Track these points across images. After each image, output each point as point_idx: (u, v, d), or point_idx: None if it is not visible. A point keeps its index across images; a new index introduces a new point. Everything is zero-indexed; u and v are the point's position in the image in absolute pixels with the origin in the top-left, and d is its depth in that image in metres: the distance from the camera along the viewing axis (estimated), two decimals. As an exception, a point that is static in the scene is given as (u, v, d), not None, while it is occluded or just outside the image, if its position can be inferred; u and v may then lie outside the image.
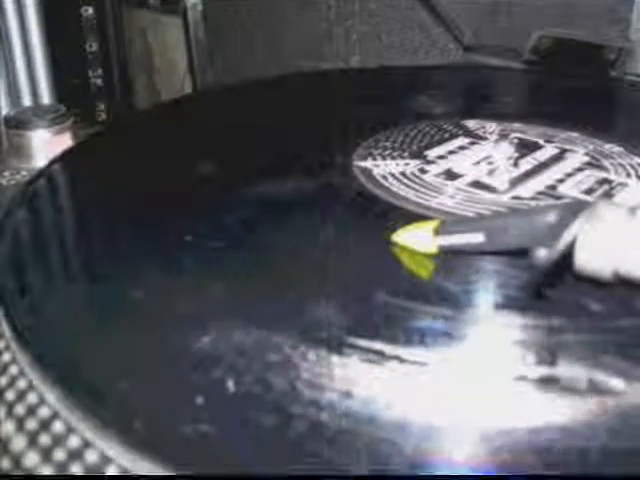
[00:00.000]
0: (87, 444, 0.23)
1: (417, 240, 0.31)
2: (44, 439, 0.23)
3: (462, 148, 0.43)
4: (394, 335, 0.26)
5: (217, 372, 0.24)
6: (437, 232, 0.31)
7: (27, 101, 0.92)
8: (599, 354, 0.25)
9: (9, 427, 0.24)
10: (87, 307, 0.29)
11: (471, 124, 0.47)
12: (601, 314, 0.27)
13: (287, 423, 0.22)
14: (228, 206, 0.37)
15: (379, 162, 0.41)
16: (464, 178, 0.39)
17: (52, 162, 0.44)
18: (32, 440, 0.24)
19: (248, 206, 0.37)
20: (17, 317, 0.28)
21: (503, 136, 0.44)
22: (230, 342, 0.26)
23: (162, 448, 0.22)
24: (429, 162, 0.41)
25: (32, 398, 0.25)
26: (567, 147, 0.43)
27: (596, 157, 0.42)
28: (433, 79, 0.64)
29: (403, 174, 0.39)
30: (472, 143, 0.44)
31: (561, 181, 0.38)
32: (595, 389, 0.24)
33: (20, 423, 0.24)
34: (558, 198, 0.37)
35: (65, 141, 0.51)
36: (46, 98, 0.94)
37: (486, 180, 0.38)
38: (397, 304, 0.28)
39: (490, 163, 0.40)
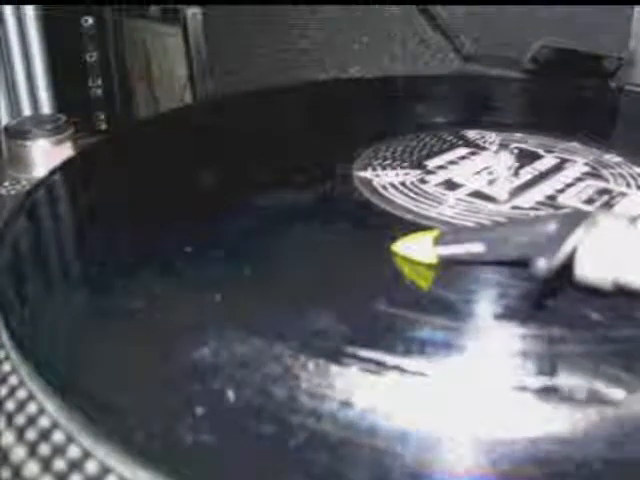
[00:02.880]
0: (87, 454, 0.23)
1: (417, 250, 0.31)
2: (44, 449, 0.23)
3: (462, 158, 0.43)
4: (394, 345, 0.26)
5: (217, 382, 0.24)
6: (437, 242, 0.31)
7: (27, 111, 0.92)
8: (599, 364, 0.25)
9: (9, 437, 0.24)
10: (87, 317, 0.29)
11: (471, 134, 0.47)
12: (601, 324, 0.27)
13: (287, 433, 0.22)
14: (228, 216, 0.37)
15: (379, 172, 0.41)
16: (464, 188, 0.39)
17: (52, 172, 0.44)
18: (32, 450, 0.24)
19: (248, 216, 0.37)
20: (17, 327, 0.28)
21: (503, 146, 0.45)
22: (230, 352, 0.26)
23: (162, 458, 0.22)
24: (429, 172, 0.41)
25: (32, 408, 0.25)
26: (567, 157, 0.43)
27: (596, 167, 0.42)
28: (433, 89, 0.64)
29: (403, 184, 0.39)
30: (472, 153, 0.44)
31: (561, 191, 0.38)
32: (595, 399, 0.24)
33: (20, 433, 0.24)
34: (558, 208, 0.37)
35: (65, 151, 0.51)
36: (46, 108, 0.94)
37: (486, 190, 0.38)
38: (397, 314, 0.28)
39: (490, 173, 0.40)
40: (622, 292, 0.27)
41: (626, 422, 0.23)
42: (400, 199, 0.37)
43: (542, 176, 0.40)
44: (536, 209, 0.36)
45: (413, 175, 0.40)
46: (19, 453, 0.24)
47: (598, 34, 0.60)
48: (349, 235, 0.36)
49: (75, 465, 0.23)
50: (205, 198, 0.40)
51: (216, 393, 0.24)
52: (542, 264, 0.25)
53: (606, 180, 0.40)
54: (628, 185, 0.39)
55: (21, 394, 0.26)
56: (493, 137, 0.47)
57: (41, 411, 0.25)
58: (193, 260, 0.33)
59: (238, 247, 0.34)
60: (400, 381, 0.25)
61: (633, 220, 0.27)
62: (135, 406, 0.24)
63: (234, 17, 0.93)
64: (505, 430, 0.23)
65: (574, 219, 0.27)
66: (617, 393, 0.24)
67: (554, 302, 0.28)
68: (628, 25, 0.58)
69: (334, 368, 0.25)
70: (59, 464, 0.23)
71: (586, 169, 0.42)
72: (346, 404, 0.23)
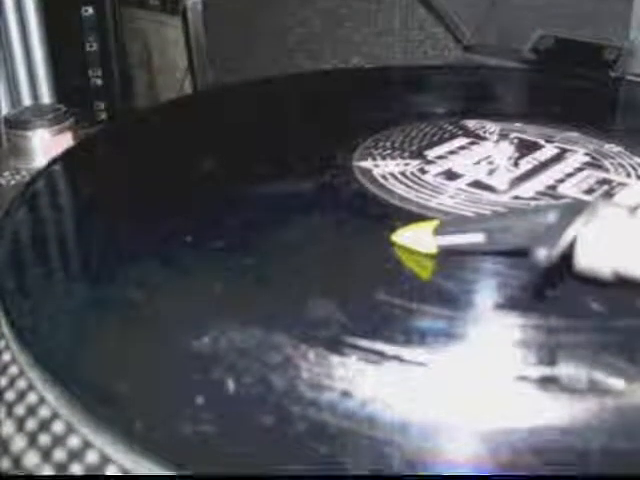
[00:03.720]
0: (87, 444, 0.23)
1: (417, 240, 0.31)
2: (44, 439, 0.23)
3: (462, 148, 0.43)
4: (394, 335, 0.26)
5: (217, 372, 0.24)
6: (437, 232, 0.31)
7: (27, 101, 0.92)
8: (599, 354, 0.25)
9: (9, 427, 0.24)
10: (87, 307, 0.29)
11: (471, 124, 0.47)
12: (601, 314, 0.27)
13: (286, 423, 0.22)
14: (228, 206, 0.37)
15: (379, 162, 0.41)
16: (464, 178, 0.39)
17: (52, 162, 0.44)
18: (32, 440, 0.24)
19: (248, 206, 0.37)
20: (17, 317, 0.28)
21: (503, 136, 0.45)
22: (230, 342, 0.26)
23: (162, 448, 0.22)
24: (429, 162, 0.41)
25: (32, 398, 0.25)
26: (567, 147, 0.43)
27: (596, 157, 0.42)
28: (433, 79, 0.64)
29: (403, 174, 0.39)
30: (472, 143, 0.44)
31: (561, 181, 0.38)
32: (595, 389, 0.24)
33: (20, 423, 0.24)
34: (558, 198, 0.37)
35: (65, 141, 0.51)
36: (46, 98, 0.94)
37: (486, 180, 0.38)
38: (397, 304, 0.28)
39: (490, 163, 0.40)
40: (622, 281, 0.27)
41: (627, 412, 0.23)
42: (400, 189, 0.37)
43: (542, 166, 0.40)
44: (536, 199, 0.36)
45: (413, 165, 0.40)
46: (19, 443, 0.24)
47: (598, 24, 0.59)
48: (349, 225, 0.36)
49: (75, 455, 0.23)
50: (205, 188, 0.40)
51: (216, 382, 0.24)
52: (542, 254, 0.25)
53: (606, 170, 0.40)
54: (628, 175, 0.39)
55: (21, 384, 0.26)
56: (493, 127, 0.47)
57: (41, 401, 0.25)
58: (193, 249, 0.33)
59: (238, 237, 0.34)
60: (400, 371, 0.25)
61: (633, 210, 0.27)
62: (135, 396, 0.24)
63: (234, 7, 0.93)
64: (505, 420, 0.23)
65: (574, 209, 0.27)
66: (617, 383, 0.24)
67: (554, 292, 0.28)
68: (628, 15, 0.58)
69: (334, 358, 0.25)
70: (59, 454, 0.23)
71: (586, 159, 0.41)
72: (346, 394, 0.23)
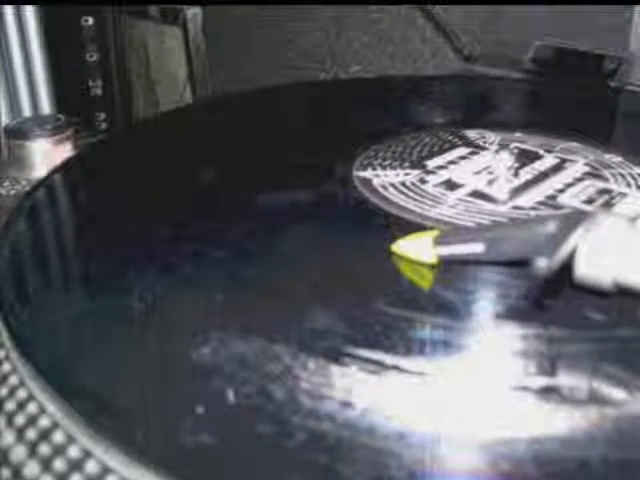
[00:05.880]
0: (87, 454, 0.23)
1: (417, 250, 0.31)
2: (44, 449, 0.23)
3: (462, 158, 0.43)
4: (393, 345, 0.26)
5: (217, 382, 0.24)
6: (437, 242, 0.31)
7: (27, 111, 0.92)
8: (599, 364, 0.25)
9: (9, 437, 0.24)
10: (87, 317, 0.29)
11: (471, 134, 0.47)
12: (601, 324, 0.27)
13: (286, 434, 0.22)
14: (228, 216, 0.37)
15: (379, 172, 0.41)
16: (464, 188, 0.39)
17: (52, 172, 0.44)
18: (32, 450, 0.24)
19: (248, 216, 0.37)
20: (17, 327, 0.28)
21: (503, 146, 0.45)
22: (230, 352, 0.26)
23: (163, 458, 0.22)
24: (429, 172, 0.41)
25: (32, 408, 0.25)
26: (567, 157, 0.43)
27: (596, 167, 0.42)
28: (433, 89, 0.64)
29: (403, 184, 0.39)
30: (472, 153, 0.44)
31: (561, 191, 0.38)
32: (595, 399, 0.24)
33: (20, 433, 0.24)
34: (558, 208, 0.37)
35: (65, 151, 0.51)
36: (46, 108, 0.94)
37: (486, 190, 0.38)
38: (396, 314, 0.28)
39: (490, 173, 0.40)
40: (622, 292, 0.27)
41: (627, 422, 0.23)
42: (400, 199, 0.37)
43: (542, 176, 0.40)
44: (536, 209, 0.36)
45: (413, 175, 0.40)
46: (19, 453, 0.24)
47: (598, 34, 0.60)
48: (349, 235, 0.35)
49: (75, 465, 0.23)
50: (204, 198, 0.40)
51: (216, 393, 0.24)
52: (542, 264, 0.25)
53: (606, 180, 0.40)
54: (628, 185, 0.39)
55: (21, 394, 0.26)
56: (493, 137, 0.47)
57: (41, 411, 0.25)
58: (193, 260, 0.33)
59: (237, 247, 0.34)
60: (399, 381, 0.25)
61: (633, 220, 0.27)
62: (135, 406, 0.24)
63: (234, 17, 0.93)
64: (505, 430, 0.23)
65: (574, 219, 0.27)
66: (617, 393, 0.24)
67: (554, 302, 0.28)
68: (628, 25, 0.58)
69: (333, 368, 0.25)
70: (59, 464, 0.23)
71: (586, 169, 0.42)
72: (345, 404, 0.23)
